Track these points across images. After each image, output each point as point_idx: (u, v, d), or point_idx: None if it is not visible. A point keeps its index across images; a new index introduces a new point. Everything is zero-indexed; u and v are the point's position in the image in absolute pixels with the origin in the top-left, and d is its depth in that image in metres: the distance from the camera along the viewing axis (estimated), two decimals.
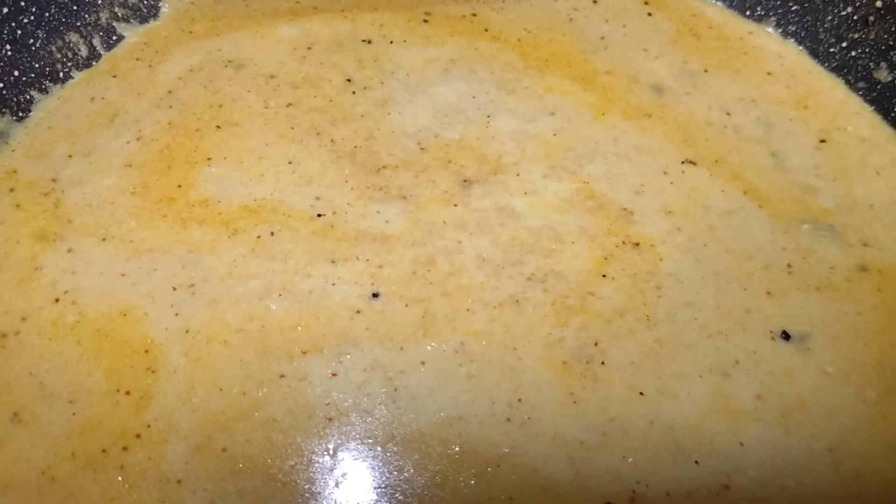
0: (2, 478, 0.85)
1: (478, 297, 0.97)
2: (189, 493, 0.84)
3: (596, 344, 0.94)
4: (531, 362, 0.93)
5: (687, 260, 1.01)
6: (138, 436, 0.87)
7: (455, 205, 1.06)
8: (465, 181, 1.08)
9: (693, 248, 1.03)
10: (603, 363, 0.93)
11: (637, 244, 1.03)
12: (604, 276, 0.99)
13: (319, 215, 1.04)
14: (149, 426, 0.88)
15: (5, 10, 1.12)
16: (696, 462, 0.87)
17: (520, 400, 0.90)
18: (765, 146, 1.15)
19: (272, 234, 1.02)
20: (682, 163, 1.12)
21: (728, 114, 1.19)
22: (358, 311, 0.96)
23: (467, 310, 0.96)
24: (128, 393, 0.90)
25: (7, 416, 0.89)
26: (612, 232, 1.03)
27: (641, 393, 0.91)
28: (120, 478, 0.85)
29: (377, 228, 1.03)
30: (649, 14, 1.33)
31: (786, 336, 0.96)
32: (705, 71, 1.25)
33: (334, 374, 0.92)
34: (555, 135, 1.14)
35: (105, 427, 0.88)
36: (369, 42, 1.25)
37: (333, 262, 1.00)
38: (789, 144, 1.15)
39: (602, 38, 1.29)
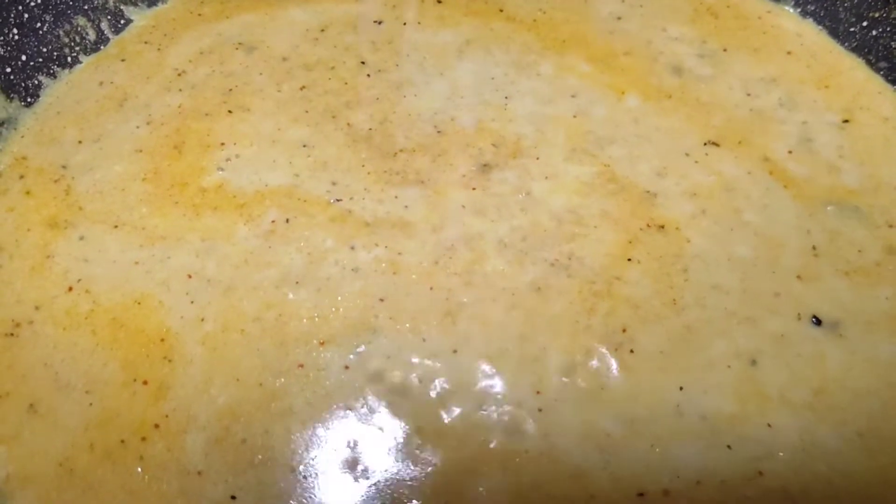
0: (20, 470, 0.84)
1: (501, 284, 0.95)
2: (210, 484, 0.83)
3: (624, 331, 0.92)
4: (557, 349, 0.91)
5: (713, 242, 1.00)
6: (157, 426, 0.86)
7: (474, 189, 1.03)
8: (483, 165, 1.06)
9: (718, 231, 1.01)
10: (631, 351, 0.91)
11: (662, 227, 1.01)
12: (629, 259, 0.97)
13: (336, 200, 1.02)
14: (167, 416, 0.86)
15: None
16: (729, 447, 0.85)
17: (545, 389, 0.88)
18: (787, 126, 1.13)
19: (287, 220, 1.00)
20: (705, 144, 1.10)
21: (749, 94, 1.16)
22: (381, 300, 0.94)
23: (491, 297, 0.94)
24: (145, 383, 0.88)
25: (23, 407, 0.87)
26: (636, 215, 1.01)
27: (672, 381, 0.89)
28: (140, 469, 0.83)
29: (396, 214, 1.01)
30: None
31: (817, 321, 0.94)
32: (724, 50, 1.23)
33: (354, 365, 0.90)
34: (574, 117, 1.11)
35: (123, 418, 0.86)
36: (382, 23, 1.23)
37: (353, 248, 0.98)
38: (812, 125, 1.13)
39: (619, 18, 1.26)
